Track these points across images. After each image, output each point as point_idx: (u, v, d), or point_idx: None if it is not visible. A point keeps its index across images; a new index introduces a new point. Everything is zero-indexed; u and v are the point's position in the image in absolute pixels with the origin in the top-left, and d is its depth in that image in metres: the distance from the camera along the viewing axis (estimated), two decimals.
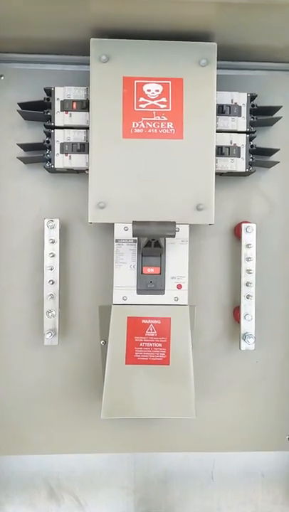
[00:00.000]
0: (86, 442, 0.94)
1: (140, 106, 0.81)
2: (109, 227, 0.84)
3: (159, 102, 0.81)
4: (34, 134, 0.90)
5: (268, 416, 0.96)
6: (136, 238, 0.82)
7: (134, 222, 0.74)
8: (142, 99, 0.81)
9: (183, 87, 0.81)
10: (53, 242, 0.87)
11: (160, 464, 0.97)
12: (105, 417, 0.79)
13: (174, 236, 0.75)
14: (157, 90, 0.81)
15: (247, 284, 0.89)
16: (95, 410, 0.81)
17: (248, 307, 0.89)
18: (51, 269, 0.88)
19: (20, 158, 0.89)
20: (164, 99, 0.81)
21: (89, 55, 0.80)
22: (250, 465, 0.98)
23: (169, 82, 0.81)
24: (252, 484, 0.98)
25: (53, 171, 0.89)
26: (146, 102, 0.81)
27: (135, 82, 0.81)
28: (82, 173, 0.89)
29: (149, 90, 0.81)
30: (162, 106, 0.81)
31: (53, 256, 0.87)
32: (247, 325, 0.89)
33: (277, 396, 0.96)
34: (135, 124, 0.81)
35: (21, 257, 0.92)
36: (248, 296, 0.89)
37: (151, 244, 0.78)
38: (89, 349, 0.93)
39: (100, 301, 0.91)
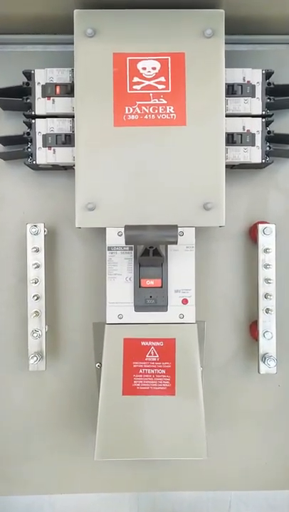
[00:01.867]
0: (81, 480, 0.83)
1: (134, 87, 0.69)
2: (102, 232, 0.72)
3: (156, 82, 0.69)
4: (14, 125, 0.79)
5: None
6: (132, 245, 0.70)
7: (127, 227, 0.61)
8: (136, 79, 0.69)
9: (185, 64, 0.69)
10: (37, 250, 0.76)
11: (168, 505, 0.85)
12: (100, 459, 0.67)
13: (176, 243, 0.62)
14: (154, 68, 0.69)
15: (266, 296, 0.76)
16: (91, 444, 0.69)
17: (267, 323, 0.77)
18: (36, 283, 0.76)
19: None
20: (162, 79, 0.69)
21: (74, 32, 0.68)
22: (273, 506, 0.86)
23: (168, 57, 0.69)
24: None
25: (35, 167, 0.77)
26: (142, 83, 0.69)
27: (128, 59, 0.69)
28: (70, 169, 0.78)
29: (144, 68, 0.69)
30: (160, 87, 0.69)
31: (38, 267, 0.76)
32: (267, 344, 0.76)
33: None
34: (129, 110, 0.69)
35: (2, 268, 0.82)
36: (267, 311, 0.76)
37: (149, 252, 0.65)
38: (82, 374, 0.82)
39: (94, 318, 0.80)
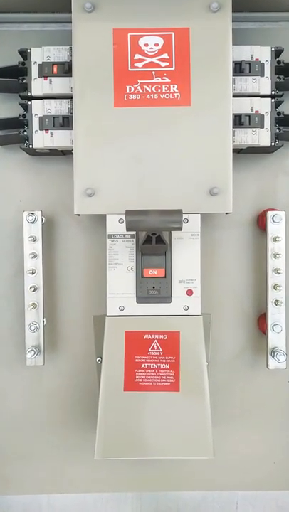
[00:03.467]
0: (81, 480, 0.81)
1: (136, 65, 0.65)
2: (103, 220, 0.69)
3: (159, 60, 0.65)
4: (9, 107, 0.76)
5: None
6: (134, 233, 0.66)
7: (128, 212, 0.58)
8: (137, 56, 0.65)
9: (189, 40, 0.65)
10: (34, 239, 0.73)
11: (172, 505, 0.82)
12: (100, 458, 0.64)
13: (180, 229, 0.58)
14: (157, 44, 0.65)
15: (275, 287, 0.73)
16: (91, 441, 0.66)
17: (276, 316, 0.73)
18: (33, 273, 0.73)
19: None
20: (165, 56, 0.65)
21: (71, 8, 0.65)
22: (281, 507, 0.83)
23: (172, 33, 0.65)
24: None
25: (32, 152, 0.74)
26: (144, 60, 0.65)
27: (129, 34, 0.65)
28: (69, 154, 0.74)
29: (146, 45, 0.65)
30: (164, 64, 0.65)
31: (35, 257, 0.73)
32: (276, 338, 0.73)
33: None
34: (130, 89, 0.65)
35: (0, 258, 0.79)
36: (276, 303, 0.73)
37: (152, 239, 0.61)
38: (82, 368, 0.79)
39: (95, 311, 0.77)
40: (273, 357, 0.72)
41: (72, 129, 0.68)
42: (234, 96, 0.68)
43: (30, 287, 0.73)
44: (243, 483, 0.81)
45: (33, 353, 0.72)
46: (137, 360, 0.66)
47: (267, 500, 0.82)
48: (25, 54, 0.70)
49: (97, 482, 0.81)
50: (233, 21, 0.66)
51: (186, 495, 0.82)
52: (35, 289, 0.73)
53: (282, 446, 0.81)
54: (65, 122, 0.69)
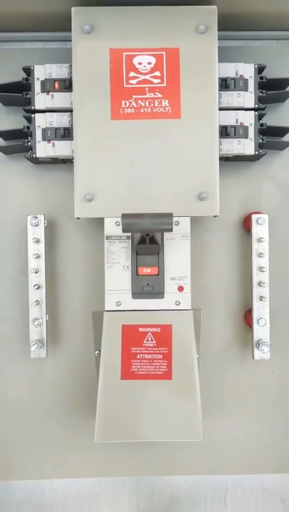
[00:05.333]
0: (81, 465, 0.85)
1: (130, 82, 0.71)
2: (101, 223, 0.74)
3: (152, 77, 0.71)
4: (14, 120, 0.80)
5: (286, 433, 0.85)
6: (129, 234, 0.72)
7: (124, 216, 0.63)
8: (132, 73, 0.71)
9: (179, 58, 0.71)
10: (37, 241, 0.78)
11: (167, 489, 0.87)
12: (99, 441, 0.69)
13: (171, 230, 0.64)
14: (150, 63, 0.71)
15: (259, 284, 0.78)
16: (91, 429, 0.71)
17: (261, 310, 0.78)
18: (36, 272, 0.78)
19: None
20: (157, 73, 0.71)
21: (71, 30, 0.70)
22: (268, 489, 0.87)
23: (163, 53, 0.71)
24: (270, 511, 0.86)
25: (35, 161, 0.79)
26: (138, 77, 0.71)
27: (124, 54, 0.71)
28: (69, 162, 0.80)
29: (140, 63, 0.71)
30: (156, 81, 0.71)
31: (38, 257, 0.78)
32: (260, 331, 0.78)
33: None
34: (125, 103, 0.71)
35: (3, 259, 0.84)
36: (261, 298, 0.78)
37: (146, 240, 0.67)
38: (82, 361, 0.84)
39: (94, 307, 0.81)
40: (258, 348, 0.78)
41: (72, 139, 0.73)
42: (220, 109, 0.74)
43: (34, 285, 0.78)
44: (232, 468, 0.86)
45: (36, 346, 0.77)
46: (132, 351, 0.71)
47: (254, 483, 0.86)
48: (28, 71, 0.75)
49: (96, 467, 0.85)
50: (219, 39, 0.71)
51: (179, 479, 0.86)
52: (38, 287, 0.78)
53: (268, 432, 0.85)
54: (66, 133, 0.74)
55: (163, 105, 0.71)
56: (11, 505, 0.86)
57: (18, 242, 0.82)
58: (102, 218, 0.73)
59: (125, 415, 0.70)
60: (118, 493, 0.86)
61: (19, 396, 0.84)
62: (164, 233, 0.71)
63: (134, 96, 0.71)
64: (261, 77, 0.76)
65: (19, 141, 0.78)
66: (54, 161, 0.79)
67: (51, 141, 0.75)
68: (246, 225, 0.82)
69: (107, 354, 0.71)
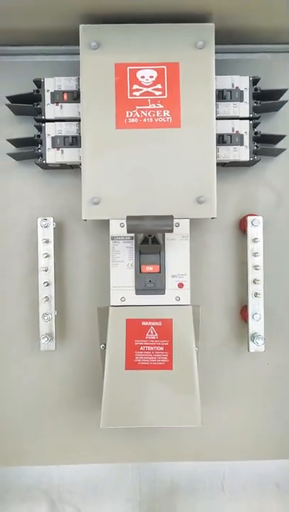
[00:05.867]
0: (87, 452, 0.90)
1: (134, 94, 0.76)
2: (106, 225, 0.79)
3: (154, 89, 0.76)
4: (26, 128, 0.86)
5: (281, 421, 0.90)
6: (133, 235, 0.77)
7: (129, 218, 0.69)
8: (135, 86, 0.76)
9: (179, 72, 0.76)
10: (47, 242, 0.83)
11: (167, 474, 0.92)
12: (105, 427, 0.74)
13: (171, 231, 0.69)
14: (152, 76, 0.76)
15: (254, 282, 0.83)
16: (96, 418, 0.76)
17: (256, 306, 0.84)
18: (46, 271, 0.83)
19: (11, 155, 0.85)
20: (159, 86, 0.76)
21: (79, 44, 0.76)
22: (264, 475, 0.92)
23: (164, 67, 0.76)
24: (266, 495, 0.92)
25: (45, 166, 0.85)
26: (141, 90, 0.76)
27: (128, 68, 0.76)
28: (76, 168, 0.85)
29: (142, 77, 0.76)
30: (157, 93, 0.76)
31: (48, 256, 0.83)
32: (255, 325, 0.83)
33: None
34: (129, 114, 0.76)
35: (15, 259, 0.89)
36: (255, 295, 0.83)
37: (148, 240, 0.73)
38: (88, 354, 0.89)
39: (99, 303, 0.86)
40: (253, 341, 0.83)
41: (80, 147, 0.78)
42: (217, 119, 0.79)
43: (44, 283, 0.83)
44: (229, 454, 0.90)
45: (46, 339, 0.83)
46: (136, 344, 0.76)
47: (249, 469, 0.91)
48: (39, 83, 0.81)
49: (101, 454, 0.90)
50: (216, 53, 0.76)
51: (179, 465, 0.91)
52: (47, 284, 0.84)
53: (263, 420, 0.90)
54: (74, 141, 0.80)
55: (164, 115, 0.76)
56: (21, 489, 0.91)
57: (28, 243, 0.87)
58: (107, 220, 0.78)
59: (129, 403, 0.75)
60: (122, 478, 0.91)
61: (30, 386, 0.89)
62: (165, 234, 0.76)
63: (137, 107, 0.76)
64: (256, 89, 0.81)
65: (30, 148, 0.83)
66: (62, 166, 0.84)
67: (60, 149, 0.80)
68: (242, 226, 0.87)
69: (112, 346, 0.76)
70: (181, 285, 0.78)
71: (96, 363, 0.85)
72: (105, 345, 0.80)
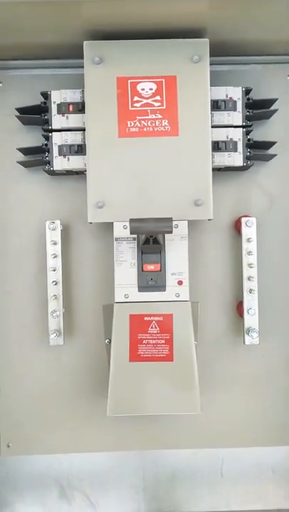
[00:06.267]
0: (94, 441, 0.95)
1: (135, 105, 0.82)
2: (110, 227, 0.85)
3: (153, 100, 0.82)
4: (34, 138, 0.91)
5: (276, 410, 0.95)
6: (135, 236, 0.83)
7: (131, 220, 0.75)
8: (136, 98, 0.81)
9: (176, 85, 0.81)
10: (54, 243, 0.89)
11: (168, 461, 0.97)
12: (111, 415, 0.79)
13: (171, 232, 0.75)
14: (151, 89, 0.82)
15: (249, 279, 0.89)
16: (102, 408, 0.81)
17: (250, 302, 0.89)
18: (54, 270, 0.89)
19: (21, 163, 0.90)
20: (158, 97, 0.82)
21: (83, 58, 0.81)
22: (260, 461, 0.97)
23: (163, 80, 0.81)
24: (262, 480, 0.97)
25: (52, 173, 0.90)
26: (141, 101, 0.82)
27: (129, 81, 0.81)
28: (81, 174, 0.90)
29: (142, 89, 0.82)
30: (156, 104, 0.82)
31: (56, 257, 0.89)
32: (250, 319, 0.89)
33: (285, 389, 0.95)
34: (130, 123, 0.81)
35: (25, 259, 0.94)
36: (250, 291, 0.89)
37: (149, 241, 0.79)
38: (94, 348, 0.94)
39: (104, 300, 0.91)
40: (248, 334, 0.88)
41: (84, 154, 0.84)
42: (213, 127, 0.84)
43: (52, 281, 0.89)
44: (227, 442, 0.95)
45: (55, 335, 0.88)
46: (139, 337, 0.82)
47: (247, 456, 0.96)
48: (46, 95, 0.86)
49: (106, 443, 0.94)
50: (211, 64, 0.82)
51: (180, 452, 0.96)
52: (56, 283, 0.89)
53: (258, 409, 0.95)
54: (79, 149, 0.85)
55: (163, 124, 0.82)
56: (33, 477, 0.96)
57: (37, 245, 0.93)
58: (111, 222, 0.83)
59: (133, 392, 0.81)
60: (127, 465, 0.96)
61: (39, 379, 0.94)
62: (165, 235, 0.81)
63: (138, 117, 0.81)
64: (248, 99, 0.87)
65: (37, 156, 0.89)
66: (68, 173, 0.90)
67: (66, 156, 0.86)
68: (237, 227, 0.93)
69: (117, 340, 0.82)
70: (180, 282, 0.83)
71: (101, 357, 0.91)
72: (110, 340, 0.85)
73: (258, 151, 0.89)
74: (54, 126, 0.86)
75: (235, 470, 0.97)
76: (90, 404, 0.94)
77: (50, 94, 0.86)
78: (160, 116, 0.82)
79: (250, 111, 0.87)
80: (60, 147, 0.86)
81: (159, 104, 0.82)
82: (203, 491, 0.97)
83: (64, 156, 0.86)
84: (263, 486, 0.97)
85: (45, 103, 0.87)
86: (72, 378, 0.94)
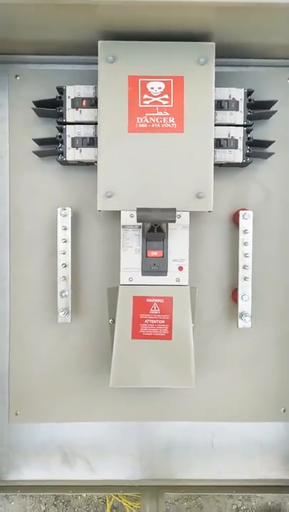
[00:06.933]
0: (97, 411, 1.03)
1: (144, 102, 0.88)
2: (116, 215, 0.92)
3: (161, 99, 0.88)
4: (48, 129, 0.97)
5: (264, 389, 1.03)
6: (140, 224, 0.90)
7: (138, 209, 0.81)
8: (145, 96, 0.88)
9: (183, 85, 0.87)
10: (65, 228, 0.95)
11: (164, 432, 1.05)
12: (113, 386, 0.87)
13: (174, 221, 0.82)
14: (160, 88, 0.88)
15: (244, 267, 0.96)
16: (105, 381, 0.88)
17: (245, 288, 0.96)
18: (64, 254, 0.96)
19: (36, 152, 0.96)
20: (166, 96, 0.88)
21: (96, 56, 0.87)
22: (249, 435, 1.05)
23: (171, 80, 0.87)
24: (250, 452, 1.05)
25: (64, 163, 0.96)
26: (150, 99, 0.88)
27: (139, 80, 0.87)
28: (91, 165, 0.97)
29: (152, 88, 0.88)
30: (164, 102, 0.88)
31: (66, 241, 0.95)
32: (244, 305, 0.96)
33: (273, 371, 1.03)
34: (139, 120, 0.88)
35: (37, 244, 1.01)
36: (245, 278, 0.96)
37: (154, 229, 0.86)
38: (98, 327, 1.01)
39: (108, 283, 0.99)
40: (241, 318, 0.96)
41: (96, 147, 0.90)
42: (216, 125, 0.90)
43: (62, 264, 0.96)
44: (219, 416, 1.03)
45: (63, 313, 0.95)
46: (141, 317, 0.89)
47: (236, 430, 1.04)
48: (61, 90, 0.92)
49: (108, 413, 1.02)
50: (216, 65, 0.87)
51: (175, 424, 1.04)
52: (65, 266, 0.96)
53: (249, 387, 1.02)
54: (91, 142, 0.91)
55: (170, 122, 0.88)
56: (38, 443, 1.04)
57: (49, 230, 0.99)
58: (119, 211, 0.90)
59: (134, 366, 0.88)
60: (126, 435, 1.04)
61: (47, 353, 1.01)
62: (169, 224, 0.88)
63: (146, 114, 0.88)
64: (250, 100, 0.93)
65: (52, 146, 0.95)
66: (79, 163, 0.96)
67: (79, 148, 0.92)
68: (235, 219, 0.99)
69: (121, 318, 0.89)
70: (181, 268, 0.90)
71: (105, 335, 0.98)
72: (113, 320, 0.92)
73: (257, 149, 0.96)
74: (68, 120, 0.92)
75: (225, 443, 1.05)
76: (94, 377, 1.01)
77: (65, 89, 0.92)
78: (167, 114, 0.88)
79: (251, 111, 0.94)
80: (73, 139, 0.92)
81: (167, 102, 0.88)
82: (194, 461, 1.05)
83: (76, 147, 0.92)
84: (251, 458, 1.05)
85: (60, 97, 0.93)
86: (78, 354, 1.02)
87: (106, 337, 0.98)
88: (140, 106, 0.87)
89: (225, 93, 0.93)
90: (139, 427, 1.05)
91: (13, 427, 1.04)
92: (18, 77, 0.99)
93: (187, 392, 1.01)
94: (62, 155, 0.93)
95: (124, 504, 1.21)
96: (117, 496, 1.20)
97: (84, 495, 1.19)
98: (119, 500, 1.21)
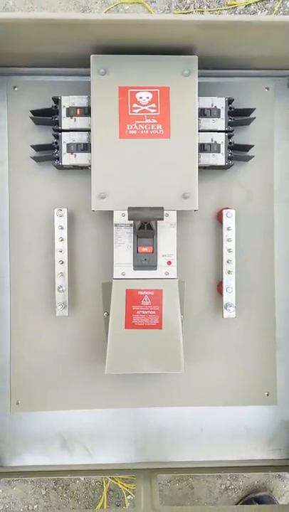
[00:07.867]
0: (94, 399, 1.09)
1: (133, 111, 0.95)
2: (109, 214, 0.99)
3: (149, 107, 0.95)
4: (44, 136, 1.04)
5: (249, 375, 1.10)
6: (132, 222, 0.97)
7: (130, 208, 0.89)
8: (135, 105, 0.95)
9: (169, 94, 0.95)
10: (62, 228, 1.02)
11: (157, 417, 1.11)
12: (108, 373, 0.94)
13: (162, 219, 0.89)
14: (148, 97, 0.95)
15: (228, 261, 1.03)
16: (100, 371, 0.94)
17: (229, 281, 1.03)
18: (61, 251, 1.02)
19: (33, 158, 1.03)
20: (153, 105, 0.95)
21: (89, 68, 0.94)
22: (235, 418, 1.12)
23: (158, 90, 0.95)
24: (236, 435, 1.12)
25: (60, 167, 1.03)
26: (139, 108, 0.95)
27: (129, 90, 0.95)
28: (85, 169, 1.04)
29: (140, 97, 0.95)
30: (152, 110, 0.95)
31: (62, 240, 1.02)
32: (228, 296, 1.03)
33: (256, 358, 1.10)
34: (129, 126, 0.95)
35: (35, 242, 1.07)
36: (229, 272, 1.03)
37: (144, 227, 0.93)
38: (94, 320, 1.07)
39: (103, 279, 1.05)
40: (226, 309, 1.04)
41: (90, 152, 0.96)
42: (200, 131, 0.97)
43: (59, 261, 1.02)
44: (207, 401, 1.09)
45: (61, 307, 1.02)
46: (133, 308, 0.95)
47: (224, 414, 1.10)
48: (56, 100, 0.99)
49: (104, 401, 1.08)
50: (199, 76, 0.94)
51: (167, 410, 1.10)
52: (62, 262, 1.02)
53: (235, 374, 1.09)
54: (85, 148, 0.98)
55: (157, 128, 0.95)
56: (39, 431, 1.10)
57: (46, 229, 1.06)
58: (111, 211, 0.96)
59: (127, 354, 0.95)
60: (121, 421, 1.10)
61: (46, 345, 1.07)
62: (158, 222, 0.95)
63: (136, 121, 0.95)
64: (230, 107, 1.00)
65: (48, 152, 1.02)
66: (74, 167, 1.03)
67: (73, 153, 0.99)
68: (219, 217, 1.06)
69: (115, 310, 0.96)
70: (169, 263, 0.97)
71: (100, 327, 1.05)
72: (108, 313, 0.98)
73: (238, 152, 1.03)
74: (63, 127, 0.99)
75: (213, 426, 1.12)
76: (90, 367, 1.07)
77: (60, 99, 0.99)
78: (155, 121, 0.95)
79: (232, 118, 1.01)
80: (69, 145, 0.99)
81: (155, 110, 0.95)
82: (185, 445, 1.12)
83: (71, 153, 0.99)
84: (238, 440, 1.12)
85: (55, 107, 1.00)
86: (75, 345, 1.08)
87: (101, 329, 1.04)
88: (130, 114, 0.94)
89: (208, 102, 1.00)
90: (134, 413, 1.11)
91: (15, 415, 1.10)
92: (16, 88, 1.05)
93: (177, 379, 1.08)
94: (59, 160, 1.00)
95: (120, 486, 1.27)
96: (113, 478, 1.27)
97: (82, 478, 1.25)
98: (115, 483, 1.28)
